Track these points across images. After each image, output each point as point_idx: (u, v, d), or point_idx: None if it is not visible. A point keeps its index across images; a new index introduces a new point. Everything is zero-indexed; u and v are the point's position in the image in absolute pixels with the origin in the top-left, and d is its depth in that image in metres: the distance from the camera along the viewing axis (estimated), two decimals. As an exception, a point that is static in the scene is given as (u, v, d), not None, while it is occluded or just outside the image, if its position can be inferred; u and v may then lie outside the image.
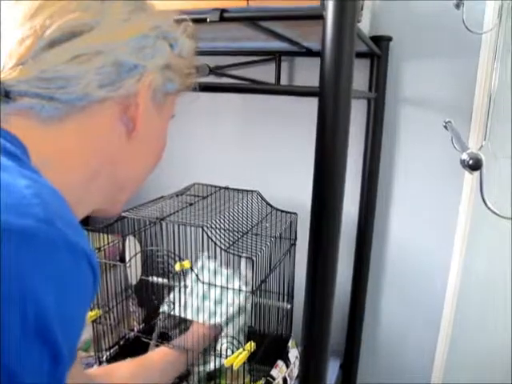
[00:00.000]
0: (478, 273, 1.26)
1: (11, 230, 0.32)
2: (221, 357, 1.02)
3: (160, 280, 1.13)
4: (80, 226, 0.40)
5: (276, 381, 1.05)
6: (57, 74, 0.45)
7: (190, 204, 1.12)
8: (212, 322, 1.05)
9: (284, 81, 1.34)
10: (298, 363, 1.13)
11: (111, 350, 1.17)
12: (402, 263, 1.34)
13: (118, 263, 1.13)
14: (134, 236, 1.11)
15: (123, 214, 1.07)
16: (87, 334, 1.17)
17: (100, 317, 1.12)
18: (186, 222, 1.02)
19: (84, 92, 0.47)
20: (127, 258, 1.09)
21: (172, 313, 1.10)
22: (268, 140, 1.41)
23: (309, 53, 1.21)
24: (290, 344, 1.17)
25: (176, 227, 1.19)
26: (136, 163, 0.59)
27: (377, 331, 1.42)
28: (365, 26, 1.00)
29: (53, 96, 0.45)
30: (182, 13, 0.69)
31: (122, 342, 1.20)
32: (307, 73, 1.31)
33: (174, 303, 1.09)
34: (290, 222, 1.14)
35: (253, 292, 0.99)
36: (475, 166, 0.67)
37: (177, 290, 1.09)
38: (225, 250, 0.94)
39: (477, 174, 0.70)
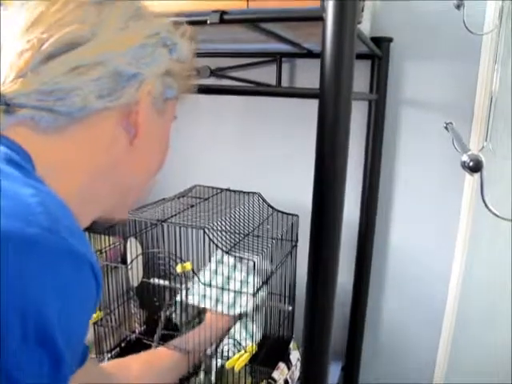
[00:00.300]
0: (480, 276, 1.25)
1: (16, 238, 0.33)
2: (222, 358, 1.02)
3: (161, 282, 1.13)
4: (84, 235, 0.40)
5: (277, 383, 1.05)
6: (56, 86, 0.45)
7: (192, 206, 1.12)
8: (231, 312, 1.05)
9: (285, 82, 1.34)
10: (299, 365, 1.13)
11: (112, 352, 1.17)
12: (403, 266, 1.34)
13: (120, 265, 1.13)
14: (136, 238, 1.11)
15: (124, 216, 1.07)
16: (88, 335, 1.17)
17: (101, 319, 1.12)
18: (187, 224, 1.01)
19: (83, 103, 0.47)
20: (129, 260, 1.09)
21: (190, 302, 1.10)
22: (269, 141, 1.41)
23: (309, 54, 1.21)
24: (291, 346, 1.17)
25: (177, 229, 1.19)
26: (139, 169, 0.59)
27: (378, 333, 1.42)
28: (365, 27, 1.00)
29: (52, 108, 0.45)
30: (183, 15, 0.69)
31: (123, 344, 1.20)
32: (308, 74, 1.31)
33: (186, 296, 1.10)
34: (292, 224, 1.14)
35: (254, 294, 0.99)
36: (475, 167, 0.67)
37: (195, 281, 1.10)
38: (226, 252, 0.94)
39: (477, 175, 0.70)
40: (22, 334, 0.32)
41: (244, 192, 1.23)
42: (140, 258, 1.10)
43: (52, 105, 0.45)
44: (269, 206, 1.21)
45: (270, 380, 1.05)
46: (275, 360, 1.11)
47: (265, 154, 1.43)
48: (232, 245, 0.97)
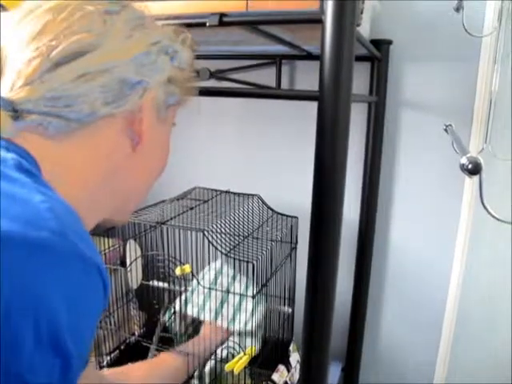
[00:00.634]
0: (480, 278, 1.25)
1: (27, 243, 0.33)
2: (221, 361, 1.02)
3: (161, 284, 1.13)
4: (91, 240, 0.41)
5: (277, 385, 1.05)
6: (63, 92, 0.46)
7: (191, 208, 1.12)
8: (231, 327, 1.06)
9: (285, 84, 1.34)
10: (299, 367, 1.13)
11: (112, 355, 1.17)
12: (403, 268, 1.34)
13: (119, 267, 1.13)
14: (135, 240, 1.11)
15: (124, 218, 1.07)
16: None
17: (101, 321, 1.12)
18: (186, 226, 1.01)
19: (90, 109, 0.48)
20: (128, 262, 1.09)
21: (189, 313, 1.11)
22: (269, 143, 1.41)
23: (309, 56, 1.21)
24: (291, 348, 1.17)
25: (177, 231, 1.19)
26: (142, 174, 0.61)
27: (378, 334, 1.42)
28: (365, 29, 1.00)
29: (59, 114, 0.46)
30: (182, 17, 0.69)
31: (122, 347, 1.20)
32: (308, 76, 1.31)
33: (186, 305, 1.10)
34: (291, 226, 1.14)
35: (253, 296, 0.99)
36: (474, 170, 0.67)
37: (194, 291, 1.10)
38: (225, 255, 0.94)
39: (477, 178, 0.70)
40: (35, 337, 0.33)
41: (244, 194, 1.23)
42: (139, 260, 1.10)
43: (60, 111, 0.46)
44: (268, 208, 1.21)
45: (269, 382, 1.05)
46: (275, 362, 1.11)
47: (264, 156, 1.43)
48: (231, 247, 0.97)
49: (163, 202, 1.19)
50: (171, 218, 1.05)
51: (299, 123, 1.34)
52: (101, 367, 1.14)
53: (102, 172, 0.53)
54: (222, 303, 1.08)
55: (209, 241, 0.95)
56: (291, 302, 1.16)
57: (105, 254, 1.12)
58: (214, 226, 0.99)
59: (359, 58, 1.16)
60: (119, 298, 1.17)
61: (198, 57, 1.33)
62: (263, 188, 1.28)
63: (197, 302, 1.10)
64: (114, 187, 0.56)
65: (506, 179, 1.15)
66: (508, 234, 1.19)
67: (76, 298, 0.37)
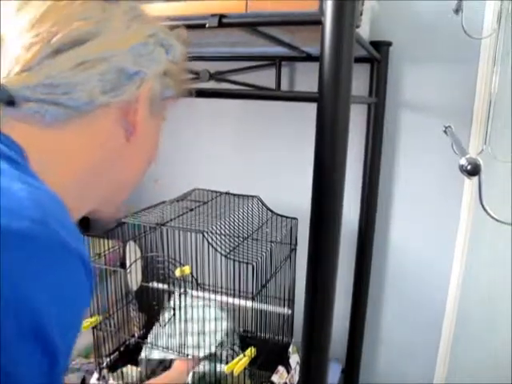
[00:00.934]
0: (479, 278, 1.25)
1: (6, 232, 0.33)
2: (221, 363, 1.02)
3: (160, 286, 1.13)
4: (76, 229, 0.40)
5: (277, 387, 1.05)
6: (62, 80, 0.46)
7: (191, 209, 1.12)
8: (196, 354, 1.08)
9: (285, 86, 1.34)
10: (299, 369, 1.12)
11: (111, 356, 1.17)
12: (403, 268, 1.34)
13: (119, 269, 1.13)
14: (135, 241, 1.11)
15: (124, 220, 1.07)
16: (87, 340, 1.17)
17: (100, 323, 1.12)
18: (186, 228, 1.02)
19: (88, 97, 0.48)
20: (128, 264, 1.09)
21: (156, 357, 1.14)
22: (268, 145, 1.41)
23: (309, 58, 1.21)
24: (290, 349, 1.17)
25: (176, 233, 1.19)
26: (133, 165, 0.61)
27: (378, 335, 1.42)
28: (364, 30, 1.00)
29: (57, 101, 0.46)
30: (182, 18, 0.69)
31: (122, 348, 1.20)
32: (308, 77, 1.31)
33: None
34: (291, 228, 1.14)
35: (253, 298, 0.99)
36: (473, 171, 0.67)
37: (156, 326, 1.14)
38: (225, 256, 0.94)
39: (476, 179, 0.70)
40: (16, 329, 0.32)
41: (243, 195, 1.23)
42: (139, 261, 1.10)
43: (58, 98, 0.46)
44: (268, 209, 1.21)
45: (269, 383, 1.05)
46: (274, 364, 1.11)
47: (264, 158, 1.43)
48: (231, 248, 0.97)
49: (163, 203, 1.19)
50: (171, 220, 1.05)
51: (299, 124, 1.35)
52: (100, 369, 1.14)
53: (94, 161, 0.53)
54: (185, 335, 1.11)
55: (208, 242, 0.95)
56: (291, 303, 1.16)
57: (104, 255, 1.12)
58: (214, 228, 0.99)
59: (359, 60, 1.16)
60: (119, 299, 1.17)
61: (198, 58, 1.35)
62: (263, 189, 1.28)
63: (162, 343, 1.13)
64: (104, 177, 0.56)
65: (505, 180, 1.15)
66: (508, 235, 1.19)
67: (59, 288, 0.36)
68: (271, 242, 1.05)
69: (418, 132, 1.24)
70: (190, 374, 1.08)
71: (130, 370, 1.14)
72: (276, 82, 1.29)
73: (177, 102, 0.64)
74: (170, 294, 1.13)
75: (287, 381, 1.09)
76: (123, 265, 1.11)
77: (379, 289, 1.38)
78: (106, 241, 1.12)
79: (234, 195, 1.24)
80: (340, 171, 0.68)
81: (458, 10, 1.02)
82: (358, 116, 1.24)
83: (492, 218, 0.74)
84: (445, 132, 1.10)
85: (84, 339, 1.20)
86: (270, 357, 1.09)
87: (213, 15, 0.71)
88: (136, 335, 1.23)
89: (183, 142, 1.51)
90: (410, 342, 1.38)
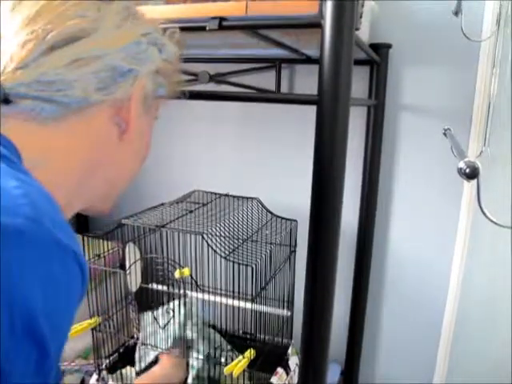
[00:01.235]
0: (479, 281, 1.25)
1: (1, 229, 0.33)
2: (220, 364, 1.02)
3: (160, 287, 1.13)
4: (69, 226, 0.41)
5: (276, 388, 1.05)
6: (56, 77, 0.46)
7: (190, 211, 1.12)
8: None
9: (284, 88, 1.34)
10: (298, 370, 1.13)
11: (111, 358, 1.17)
12: (403, 269, 1.34)
13: (118, 270, 1.13)
14: (134, 243, 1.11)
15: (123, 221, 1.07)
16: (87, 341, 1.17)
17: (100, 324, 1.12)
18: (186, 230, 1.02)
19: (82, 95, 0.48)
20: (127, 265, 1.09)
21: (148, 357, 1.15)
22: (268, 147, 1.41)
23: (308, 60, 1.21)
24: (290, 351, 1.17)
25: (176, 234, 1.19)
26: (125, 163, 0.61)
27: (377, 337, 1.42)
28: (364, 33, 1.01)
29: (52, 98, 0.46)
30: (182, 21, 0.70)
31: (121, 350, 1.20)
32: (308, 80, 1.31)
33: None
34: (290, 229, 1.14)
35: (253, 299, 0.99)
36: (472, 174, 0.67)
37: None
38: (224, 258, 0.94)
39: (475, 182, 0.70)
40: (9, 325, 0.32)
41: (243, 197, 1.23)
42: (139, 263, 1.10)
43: (52, 95, 0.46)
44: (268, 211, 1.21)
45: (268, 385, 1.05)
46: (274, 365, 1.11)
47: (264, 159, 1.43)
48: (230, 250, 0.97)
49: (162, 204, 1.19)
50: (170, 221, 1.05)
51: (299, 126, 1.35)
52: (99, 370, 1.14)
53: (87, 159, 0.53)
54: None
55: (208, 244, 0.95)
56: (290, 305, 1.16)
57: (104, 256, 1.12)
58: (213, 230, 0.99)
59: (358, 62, 1.16)
60: (118, 300, 1.17)
61: (198, 60, 1.35)
62: (262, 191, 1.29)
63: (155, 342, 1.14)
64: (98, 175, 0.56)
65: (505, 182, 1.15)
66: (507, 235, 1.19)
67: (52, 285, 0.37)
68: (271, 243, 1.05)
69: (417, 134, 1.24)
70: (190, 376, 1.09)
71: (130, 372, 1.14)
72: (276, 84, 1.29)
73: (170, 101, 0.65)
74: (170, 295, 1.13)
75: (286, 382, 1.09)
76: (123, 266, 1.11)
77: (379, 290, 1.38)
78: (105, 242, 1.12)
79: (234, 197, 1.24)
80: (339, 173, 0.68)
81: (457, 13, 1.02)
82: (358, 118, 1.25)
83: (490, 220, 0.74)
84: (444, 134, 1.10)
85: (83, 340, 1.20)
86: (269, 358, 1.09)
87: (213, 18, 0.71)
88: (135, 336, 1.23)
89: (183, 143, 1.51)
90: (409, 342, 1.38)
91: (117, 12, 0.52)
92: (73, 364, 1.22)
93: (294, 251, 1.15)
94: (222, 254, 0.95)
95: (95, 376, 1.14)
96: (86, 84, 0.48)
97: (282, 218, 1.17)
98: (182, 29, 0.63)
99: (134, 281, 1.11)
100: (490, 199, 0.80)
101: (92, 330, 1.11)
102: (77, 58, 0.47)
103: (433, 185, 1.25)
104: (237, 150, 1.46)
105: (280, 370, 1.10)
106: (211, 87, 1.30)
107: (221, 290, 1.20)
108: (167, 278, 1.08)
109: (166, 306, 1.13)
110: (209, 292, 1.06)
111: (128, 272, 1.09)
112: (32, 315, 0.34)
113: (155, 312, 1.13)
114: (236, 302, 1.07)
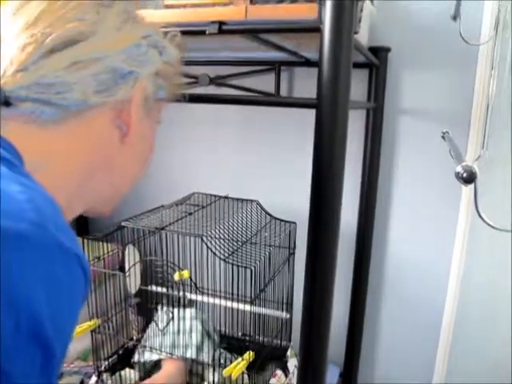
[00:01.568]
0: (478, 283, 1.26)
1: (5, 234, 0.33)
2: (220, 367, 1.02)
3: (159, 289, 1.13)
4: (71, 230, 0.41)
5: (275, 390, 1.05)
6: (56, 79, 0.46)
7: (190, 213, 1.12)
8: (187, 354, 1.09)
9: (284, 90, 1.35)
10: (296, 372, 1.13)
11: (110, 360, 1.17)
12: (401, 272, 1.34)
13: (118, 272, 1.13)
14: (134, 245, 1.12)
15: (123, 224, 1.07)
16: (86, 343, 1.17)
17: (99, 326, 1.12)
18: (185, 232, 1.02)
19: (82, 97, 0.49)
20: (127, 267, 1.09)
21: (145, 358, 1.14)
22: (268, 149, 1.42)
23: (308, 63, 1.22)
24: (288, 353, 1.17)
25: (175, 237, 1.20)
26: (127, 167, 0.61)
27: (377, 338, 1.42)
28: (363, 37, 1.01)
29: (51, 101, 0.47)
30: (182, 25, 0.70)
31: (120, 352, 1.20)
32: (307, 82, 1.32)
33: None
34: (289, 232, 1.14)
35: (252, 301, 0.99)
36: (469, 178, 0.68)
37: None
38: (224, 260, 0.95)
39: (473, 186, 0.71)
40: (14, 327, 0.33)
41: (242, 199, 1.23)
42: (138, 265, 1.11)
43: (51, 97, 0.47)
44: (267, 213, 1.21)
45: (267, 387, 1.05)
46: (273, 367, 1.11)
47: (263, 162, 1.43)
48: (230, 252, 0.98)
49: (162, 207, 1.19)
50: (170, 224, 1.05)
51: (298, 129, 1.35)
52: (99, 372, 1.14)
53: (88, 162, 0.53)
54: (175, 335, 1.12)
55: (207, 246, 0.96)
56: (289, 307, 1.16)
57: (104, 259, 1.12)
58: (213, 232, 0.99)
59: (357, 65, 1.17)
60: (118, 302, 1.17)
61: (198, 63, 1.35)
62: (262, 194, 1.29)
63: (154, 344, 1.14)
64: (99, 178, 0.56)
65: (503, 185, 1.16)
66: (506, 237, 1.19)
67: (56, 288, 0.37)
68: (270, 246, 1.05)
69: (416, 137, 1.25)
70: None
71: (129, 373, 1.14)
72: (275, 87, 1.30)
73: (170, 104, 0.65)
74: (169, 297, 1.13)
75: (285, 384, 1.09)
76: (122, 268, 1.11)
77: (378, 291, 1.38)
78: (105, 244, 1.12)
79: (233, 199, 1.24)
80: (338, 176, 0.68)
81: (456, 17, 1.02)
82: (357, 121, 1.25)
83: (488, 225, 0.75)
84: (443, 138, 1.10)
85: (83, 342, 1.20)
86: (268, 360, 1.09)
87: (213, 22, 0.72)
88: (134, 338, 1.23)
89: (183, 145, 1.51)
90: (408, 344, 1.38)
91: (117, 15, 0.53)
92: (72, 366, 1.22)
93: (293, 253, 1.16)
94: (222, 257, 0.95)
95: (94, 378, 1.14)
96: (85, 86, 0.48)
97: (281, 221, 1.18)
98: (182, 33, 0.63)
99: (134, 283, 1.11)
100: (488, 202, 0.81)
101: (91, 331, 1.11)
102: (76, 60, 0.48)
103: (432, 187, 1.25)
104: (236, 153, 1.47)
105: (279, 372, 1.10)
106: (211, 90, 1.30)
107: (220, 292, 1.20)
108: (167, 280, 1.08)
109: (165, 308, 1.14)
110: (208, 294, 1.06)
111: (127, 274, 1.10)
112: (37, 317, 0.34)
113: (156, 315, 1.14)
114: (235, 304, 1.07)
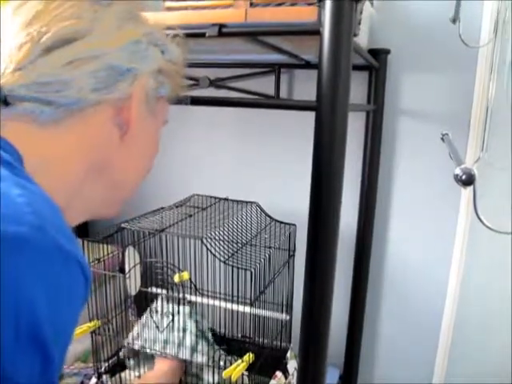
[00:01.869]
0: (477, 285, 1.26)
1: (5, 238, 0.33)
2: (219, 368, 1.02)
3: (159, 291, 1.13)
4: (72, 233, 0.41)
5: (275, 392, 1.05)
6: (54, 78, 0.47)
7: (190, 215, 1.12)
8: (178, 356, 1.08)
9: (284, 92, 1.35)
10: (296, 374, 1.13)
11: (110, 361, 1.17)
12: (401, 274, 1.34)
13: (118, 274, 1.13)
14: (134, 247, 1.12)
15: (123, 225, 1.07)
16: (86, 344, 1.17)
17: (99, 328, 1.12)
18: (185, 234, 1.02)
19: (80, 95, 0.49)
20: (127, 269, 1.09)
21: (137, 348, 1.14)
22: (267, 151, 1.42)
23: (307, 65, 1.22)
24: (288, 355, 1.17)
25: (175, 238, 1.20)
26: (129, 166, 0.61)
27: (377, 340, 1.42)
28: (363, 39, 1.01)
29: (50, 100, 0.47)
30: (182, 27, 0.70)
31: (120, 353, 1.20)
32: (307, 84, 1.32)
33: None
34: (289, 234, 1.14)
35: (251, 303, 0.99)
36: (468, 181, 0.68)
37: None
38: (223, 262, 0.95)
39: (472, 188, 0.71)
40: (15, 331, 0.33)
41: (242, 201, 1.23)
42: (138, 267, 1.11)
43: (50, 96, 0.47)
44: (266, 215, 1.21)
45: (267, 389, 1.05)
46: (272, 369, 1.11)
47: (263, 164, 1.43)
48: (229, 254, 0.98)
49: (162, 209, 1.19)
50: (170, 226, 1.06)
51: (298, 131, 1.35)
52: (99, 373, 1.14)
53: (88, 161, 0.53)
54: (169, 330, 1.12)
55: (207, 248, 0.96)
56: (289, 308, 1.16)
57: (104, 260, 1.12)
58: (213, 234, 0.99)
59: (357, 67, 1.17)
60: (118, 304, 1.17)
61: (198, 65, 1.35)
62: (261, 195, 1.29)
63: (148, 337, 1.13)
64: (100, 178, 0.56)
65: (503, 187, 1.16)
66: (506, 239, 1.19)
67: (56, 292, 0.37)
68: (270, 248, 1.05)
69: (415, 139, 1.25)
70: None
71: (129, 375, 1.15)
72: (275, 89, 1.30)
73: (171, 107, 0.65)
74: (169, 299, 1.13)
75: (285, 386, 1.09)
76: (122, 270, 1.11)
77: (377, 294, 1.38)
78: (105, 246, 1.12)
79: (233, 201, 1.24)
80: (338, 177, 0.68)
81: (455, 20, 1.03)
82: (357, 123, 1.25)
83: (487, 227, 0.75)
84: (442, 139, 1.10)
85: (83, 344, 1.21)
86: (267, 362, 1.09)
87: (213, 24, 0.72)
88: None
89: (182, 147, 1.51)
90: (408, 344, 1.38)
91: (115, 14, 0.53)
92: (72, 367, 1.23)
93: (293, 255, 1.16)
94: (221, 258, 0.95)
95: (94, 379, 1.14)
96: (83, 84, 0.48)
97: (281, 223, 1.18)
98: (183, 35, 0.64)
99: (134, 284, 1.11)
100: (488, 204, 0.81)
101: (91, 333, 1.11)
102: (74, 58, 0.48)
103: (431, 188, 1.26)
104: (236, 155, 1.47)
105: (279, 373, 1.10)
106: (211, 92, 1.30)
107: (220, 293, 1.20)
108: (166, 281, 1.08)
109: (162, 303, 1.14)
110: (208, 296, 1.06)
111: (127, 276, 1.10)
112: (37, 322, 0.34)
113: (154, 315, 1.14)
114: (235, 306, 1.07)
